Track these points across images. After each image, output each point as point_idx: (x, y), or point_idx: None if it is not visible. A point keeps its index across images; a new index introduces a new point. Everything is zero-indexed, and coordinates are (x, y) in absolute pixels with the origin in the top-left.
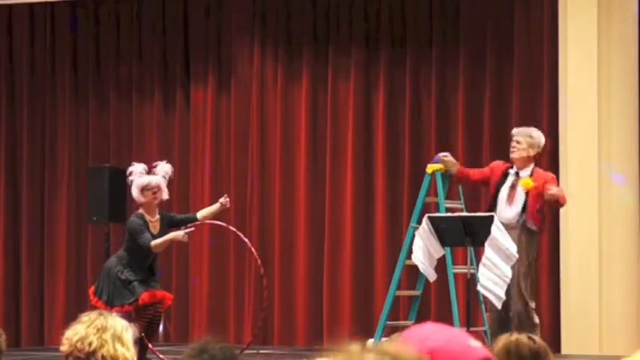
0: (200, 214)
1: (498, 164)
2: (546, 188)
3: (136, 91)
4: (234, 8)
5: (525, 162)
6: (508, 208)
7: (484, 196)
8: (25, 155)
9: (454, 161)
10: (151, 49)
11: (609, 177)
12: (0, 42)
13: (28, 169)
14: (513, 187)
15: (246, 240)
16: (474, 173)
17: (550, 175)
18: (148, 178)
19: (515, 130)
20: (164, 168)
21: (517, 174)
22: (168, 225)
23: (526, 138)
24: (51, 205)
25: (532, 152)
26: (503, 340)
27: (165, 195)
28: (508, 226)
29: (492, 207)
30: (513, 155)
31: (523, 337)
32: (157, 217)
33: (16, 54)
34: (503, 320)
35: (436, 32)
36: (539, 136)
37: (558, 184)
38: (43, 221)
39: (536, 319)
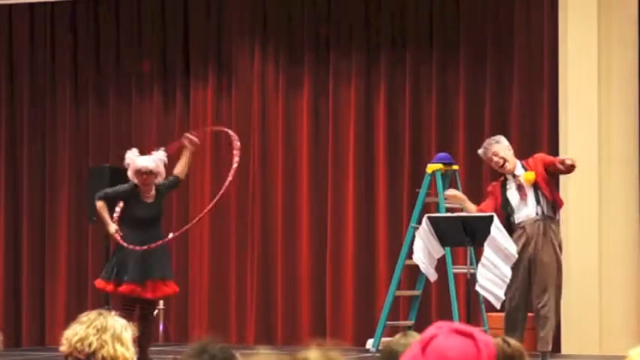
0: (177, 170)
1: (495, 184)
2: (558, 162)
3: (135, 91)
4: (235, 9)
5: (514, 164)
6: (524, 207)
7: (484, 188)
8: (25, 155)
9: (462, 197)
10: (151, 49)
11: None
12: (0, 42)
13: (28, 169)
14: (520, 187)
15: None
16: (487, 207)
17: (539, 156)
18: (141, 161)
19: (482, 151)
20: (158, 155)
21: (514, 176)
22: (168, 188)
23: (498, 147)
24: (51, 205)
25: (511, 153)
26: None
27: (159, 178)
28: (531, 220)
29: (510, 215)
30: (505, 169)
31: (498, 341)
32: (152, 192)
33: (16, 54)
34: (521, 318)
35: (436, 34)
36: (501, 139)
37: (555, 166)
38: (43, 221)
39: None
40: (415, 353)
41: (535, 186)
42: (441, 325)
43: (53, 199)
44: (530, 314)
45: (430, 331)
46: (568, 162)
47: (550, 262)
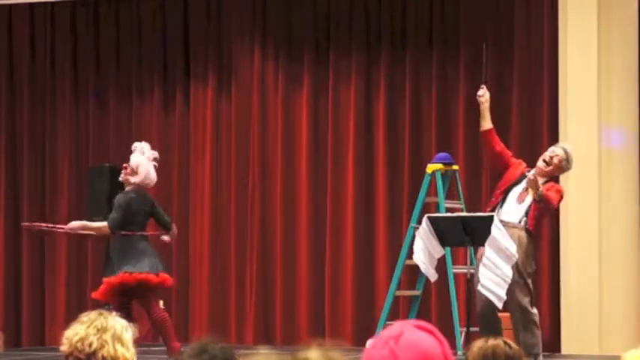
0: (174, 228)
1: (520, 163)
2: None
3: (136, 91)
4: (235, 9)
5: (546, 175)
6: (515, 207)
7: (484, 188)
8: (25, 155)
9: (487, 104)
10: (151, 49)
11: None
12: (0, 42)
13: (28, 168)
14: (527, 189)
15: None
16: (500, 145)
17: (556, 186)
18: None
19: (559, 145)
20: (143, 147)
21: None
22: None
23: (562, 156)
24: (51, 205)
25: (556, 173)
26: (479, 345)
27: (134, 179)
28: (510, 224)
29: (501, 202)
30: (544, 167)
31: (500, 343)
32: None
33: (16, 54)
34: (493, 320)
35: (436, 34)
36: (571, 163)
37: (561, 197)
38: (43, 220)
39: (535, 310)
40: (389, 344)
41: (532, 202)
42: (402, 323)
43: (53, 199)
44: (506, 314)
45: (395, 328)
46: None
47: (521, 267)
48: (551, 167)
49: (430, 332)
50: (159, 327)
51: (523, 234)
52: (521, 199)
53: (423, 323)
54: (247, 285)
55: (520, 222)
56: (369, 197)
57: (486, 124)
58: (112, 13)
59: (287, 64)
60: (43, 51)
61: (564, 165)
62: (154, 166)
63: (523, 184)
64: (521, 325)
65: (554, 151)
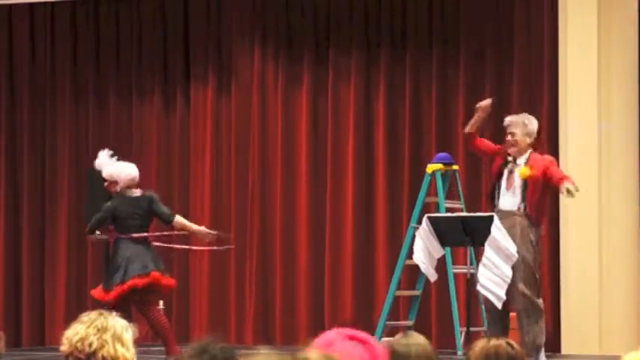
0: (178, 220)
1: (502, 149)
2: (561, 187)
3: (136, 92)
4: (235, 9)
5: (521, 151)
6: (507, 195)
7: (484, 188)
8: (25, 155)
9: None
10: (151, 49)
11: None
12: (0, 41)
13: (28, 169)
14: (511, 172)
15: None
16: (480, 141)
17: (548, 159)
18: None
19: (508, 119)
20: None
21: (514, 160)
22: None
23: (518, 127)
24: (51, 205)
25: (528, 141)
26: (482, 345)
27: (118, 188)
28: (509, 213)
29: (493, 194)
30: (510, 151)
31: (502, 343)
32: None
33: (16, 54)
34: (502, 317)
35: (436, 33)
36: (531, 123)
37: (554, 182)
38: (43, 221)
39: (541, 303)
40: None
41: (526, 184)
42: (335, 332)
43: (53, 199)
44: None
45: (327, 337)
46: (563, 191)
47: (527, 257)
48: (519, 144)
49: (362, 342)
50: (157, 331)
51: (524, 221)
52: (509, 185)
53: (356, 333)
54: (247, 285)
55: (518, 208)
56: (369, 197)
57: (473, 128)
58: (112, 13)
59: (287, 64)
60: (43, 51)
61: (525, 130)
62: (119, 161)
63: (506, 170)
64: (526, 316)
65: (509, 128)
